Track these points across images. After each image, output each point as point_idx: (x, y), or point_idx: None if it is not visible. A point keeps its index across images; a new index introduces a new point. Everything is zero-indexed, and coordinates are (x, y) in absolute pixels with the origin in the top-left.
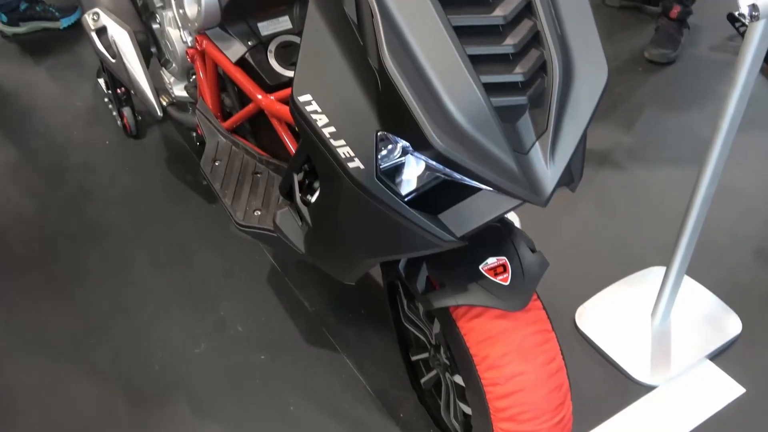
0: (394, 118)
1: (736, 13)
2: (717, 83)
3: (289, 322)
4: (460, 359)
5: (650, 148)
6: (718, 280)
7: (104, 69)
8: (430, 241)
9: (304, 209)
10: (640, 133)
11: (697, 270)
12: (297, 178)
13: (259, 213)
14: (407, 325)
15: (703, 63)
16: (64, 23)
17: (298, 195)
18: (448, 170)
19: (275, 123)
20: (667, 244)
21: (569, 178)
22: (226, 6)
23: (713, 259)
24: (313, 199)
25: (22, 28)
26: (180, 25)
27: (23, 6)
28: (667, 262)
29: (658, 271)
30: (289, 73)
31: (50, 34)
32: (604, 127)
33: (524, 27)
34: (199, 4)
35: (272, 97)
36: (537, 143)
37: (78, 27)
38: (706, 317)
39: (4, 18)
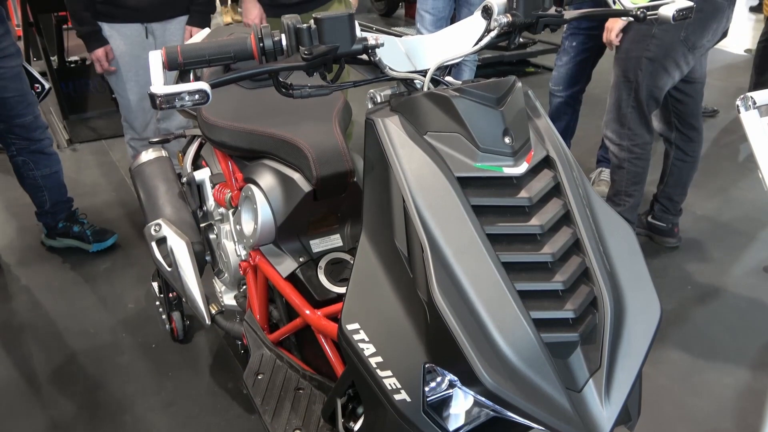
0: (442, 351)
1: None
2: None
3: None
4: None
5: (707, 372)
6: None
7: (159, 274)
8: None
9: None
10: (697, 357)
11: None
12: (340, 402)
13: None
14: None
15: (755, 286)
16: (94, 248)
17: (340, 421)
18: (497, 407)
19: (321, 338)
20: None
21: (626, 417)
22: (281, 225)
23: None
24: (356, 427)
25: (57, 243)
26: (236, 239)
27: (60, 224)
28: None
29: None
30: (338, 290)
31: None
32: (657, 350)
33: (573, 263)
34: (256, 223)
35: (319, 313)
36: (591, 381)
37: (109, 251)
38: None
39: (45, 230)
